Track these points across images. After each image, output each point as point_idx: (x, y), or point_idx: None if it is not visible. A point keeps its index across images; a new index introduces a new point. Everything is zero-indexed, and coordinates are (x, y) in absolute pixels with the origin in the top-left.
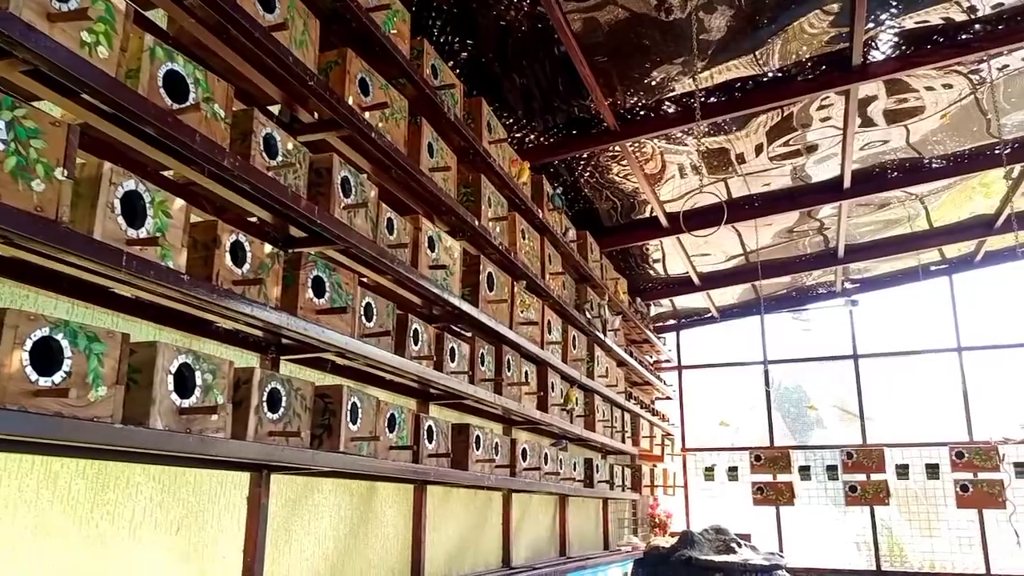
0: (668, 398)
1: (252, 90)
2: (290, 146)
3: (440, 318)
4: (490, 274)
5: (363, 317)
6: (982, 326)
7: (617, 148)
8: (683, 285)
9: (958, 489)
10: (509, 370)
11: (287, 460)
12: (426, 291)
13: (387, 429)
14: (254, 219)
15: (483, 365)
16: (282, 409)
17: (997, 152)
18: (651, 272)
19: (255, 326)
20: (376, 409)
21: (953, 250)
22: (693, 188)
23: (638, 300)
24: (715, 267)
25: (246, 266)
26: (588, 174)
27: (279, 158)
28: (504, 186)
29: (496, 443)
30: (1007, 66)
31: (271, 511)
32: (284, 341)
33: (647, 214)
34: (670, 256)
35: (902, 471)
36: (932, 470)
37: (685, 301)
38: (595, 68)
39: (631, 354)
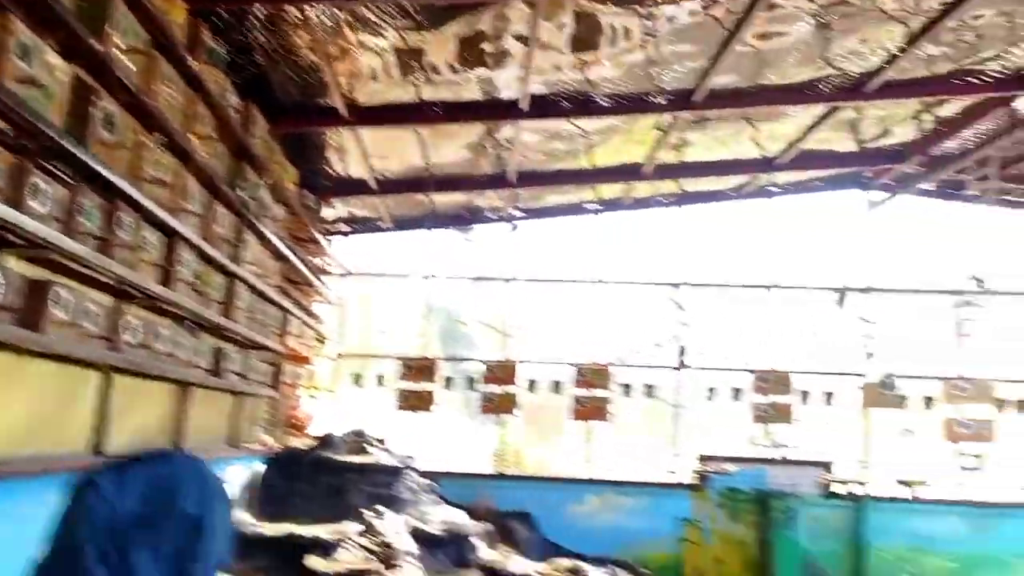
0: (329, 302)
1: None
2: None
3: (33, 152)
4: (111, 113)
5: None
6: (623, 262)
7: (299, 16)
8: (359, 188)
9: (575, 403)
10: (124, 232)
11: None
12: (8, 109)
13: None
14: None
15: (86, 218)
16: None
17: (655, 101)
18: (327, 169)
19: None
20: None
21: (609, 191)
22: (383, 85)
23: (309, 196)
24: (394, 175)
25: None
26: (265, 38)
27: None
28: (147, 19)
29: (91, 310)
30: (675, 18)
31: None
32: None
33: (328, 101)
34: (349, 155)
35: (531, 385)
36: (556, 386)
37: (360, 206)
38: None
39: (293, 251)
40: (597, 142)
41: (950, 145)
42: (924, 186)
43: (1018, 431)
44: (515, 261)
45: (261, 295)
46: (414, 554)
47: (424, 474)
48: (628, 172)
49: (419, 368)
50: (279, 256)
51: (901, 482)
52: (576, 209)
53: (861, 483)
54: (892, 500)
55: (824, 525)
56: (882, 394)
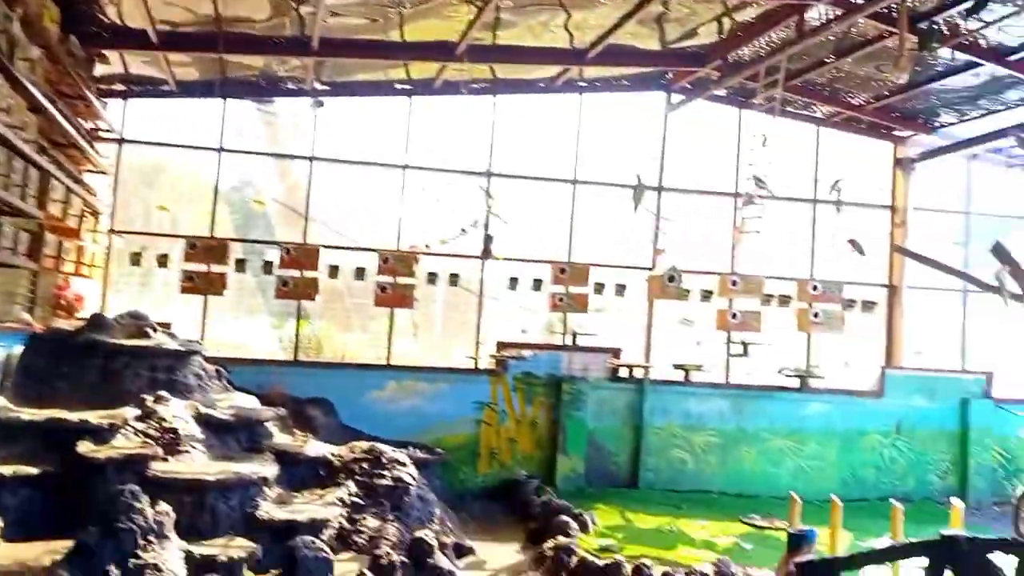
0: (103, 172)
1: None
2: None
3: None
4: None
5: None
6: (432, 149)
7: None
8: (138, 40)
9: (378, 290)
10: None
11: None
12: None
13: None
14: None
15: None
16: None
17: None
18: (98, 14)
19: None
20: None
21: (421, 70)
22: None
23: (75, 44)
24: (180, 27)
25: None
26: None
27: None
28: None
29: None
30: None
31: None
32: None
33: None
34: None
35: (333, 271)
36: (360, 272)
37: (139, 63)
38: None
39: (55, 105)
40: (409, 13)
41: (745, 52)
42: (718, 93)
43: (780, 323)
44: (319, 140)
45: (13, 149)
46: (200, 439)
47: (212, 360)
48: (441, 50)
49: (207, 249)
50: (37, 108)
51: (678, 366)
52: (385, 88)
53: (645, 367)
54: (668, 383)
55: (609, 406)
56: (667, 287)
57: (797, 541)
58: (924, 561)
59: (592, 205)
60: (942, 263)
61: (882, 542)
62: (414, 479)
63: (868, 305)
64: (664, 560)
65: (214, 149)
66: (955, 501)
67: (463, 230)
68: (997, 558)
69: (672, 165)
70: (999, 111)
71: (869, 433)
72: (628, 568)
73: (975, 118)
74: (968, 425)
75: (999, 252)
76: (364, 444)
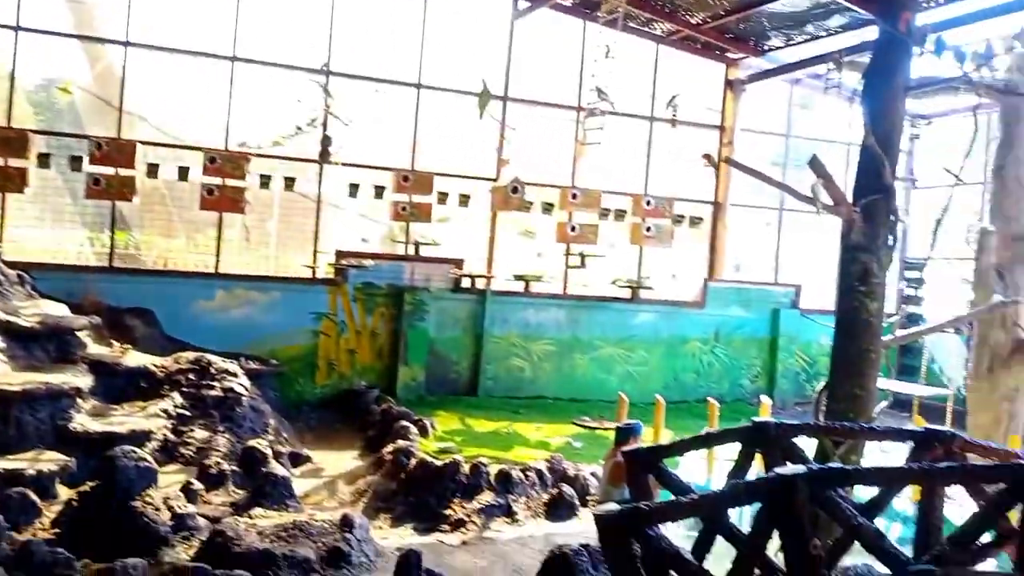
0: None
1: None
2: None
3: None
4: None
5: None
6: (257, 38)
7: None
8: None
9: (204, 192)
10: None
11: None
12: None
13: None
14: None
15: None
16: None
17: None
18: None
19: None
20: None
21: None
22: None
23: None
24: None
25: None
26: None
27: None
28: None
29: None
30: None
31: None
32: None
33: None
34: None
35: (152, 170)
36: (183, 172)
37: None
38: None
39: None
40: None
41: None
42: (564, 2)
43: (615, 236)
44: (134, 24)
45: None
46: (1, 348)
47: (13, 265)
48: None
49: (4, 140)
50: None
51: (518, 277)
52: None
53: (486, 278)
54: (509, 294)
55: (451, 316)
56: (510, 198)
57: (625, 434)
58: (737, 446)
59: (437, 111)
60: (767, 176)
61: None
62: (246, 390)
63: (695, 221)
64: (501, 459)
65: (9, 27)
66: (763, 399)
67: (299, 128)
68: (800, 441)
69: (518, 75)
70: (822, 37)
71: (691, 341)
72: (466, 467)
73: (801, 43)
74: (777, 333)
75: (815, 166)
76: (190, 355)
